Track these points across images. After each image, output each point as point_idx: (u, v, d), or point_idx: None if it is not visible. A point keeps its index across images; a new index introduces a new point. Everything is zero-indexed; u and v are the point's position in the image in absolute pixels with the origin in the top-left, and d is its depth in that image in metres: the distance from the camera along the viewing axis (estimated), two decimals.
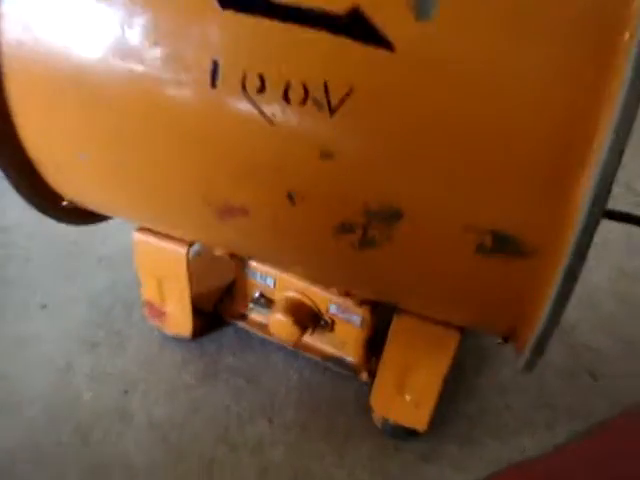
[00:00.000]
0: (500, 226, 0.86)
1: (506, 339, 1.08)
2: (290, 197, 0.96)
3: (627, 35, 0.74)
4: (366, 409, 1.41)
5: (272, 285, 1.41)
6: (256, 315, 1.51)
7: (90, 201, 1.24)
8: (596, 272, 1.77)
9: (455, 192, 0.87)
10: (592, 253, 0.78)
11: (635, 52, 0.71)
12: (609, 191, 0.77)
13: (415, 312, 1.17)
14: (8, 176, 1.15)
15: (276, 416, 1.41)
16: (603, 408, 1.44)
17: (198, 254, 1.58)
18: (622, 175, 0.80)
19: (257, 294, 1.44)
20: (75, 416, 1.39)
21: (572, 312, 1.60)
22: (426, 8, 0.81)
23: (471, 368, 1.52)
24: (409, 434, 1.37)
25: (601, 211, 0.77)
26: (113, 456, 1.33)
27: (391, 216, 0.91)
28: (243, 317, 1.53)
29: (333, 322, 1.41)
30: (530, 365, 1.00)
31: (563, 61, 0.79)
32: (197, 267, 1.49)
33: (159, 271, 1.40)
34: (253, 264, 1.40)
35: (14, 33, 1.00)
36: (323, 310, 1.39)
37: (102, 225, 1.45)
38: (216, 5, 0.87)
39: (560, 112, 0.79)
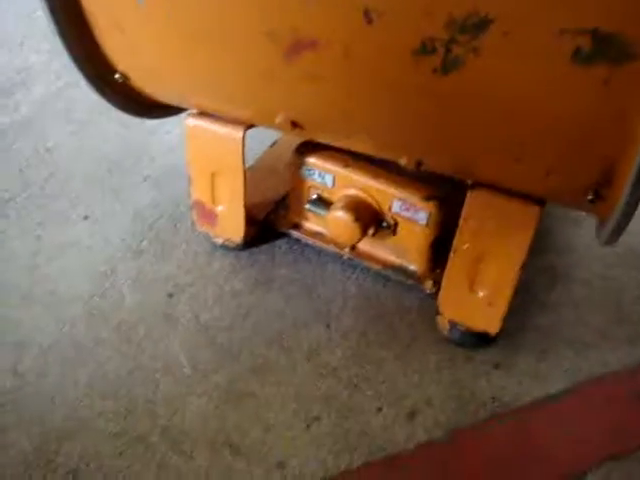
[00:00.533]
0: (601, 24, 0.77)
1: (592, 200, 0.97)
2: (367, 15, 0.88)
3: None
4: (431, 319, 1.30)
5: (331, 183, 1.32)
6: (312, 223, 1.41)
7: (144, 65, 1.17)
8: None
9: None
10: None
11: None
12: None
13: (492, 181, 1.08)
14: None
15: (333, 322, 1.30)
16: None
17: (252, 168, 1.50)
18: None
19: (314, 195, 1.35)
20: (117, 316, 1.30)
21: None
22: None
23: (541, 286, 1.40)
24: (479, 341, 1.26)
25: None
26: (156, 355, 1.23)
27: (478, 25, 0.82)
28: (297, 226, 1.43)
29: (396, 223, 1.31)
30: (617, 230, 0.90)
31: None
32: (251, 179, 1.41)
33: (213, 162, 1.31)
34: (311, 160, 1.32)
35: None
36: (385, 209, 1.29)
37: (147, 147, 1.39)
38: None
39: None
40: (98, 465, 1.08)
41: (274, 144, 1.64)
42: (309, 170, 1.34)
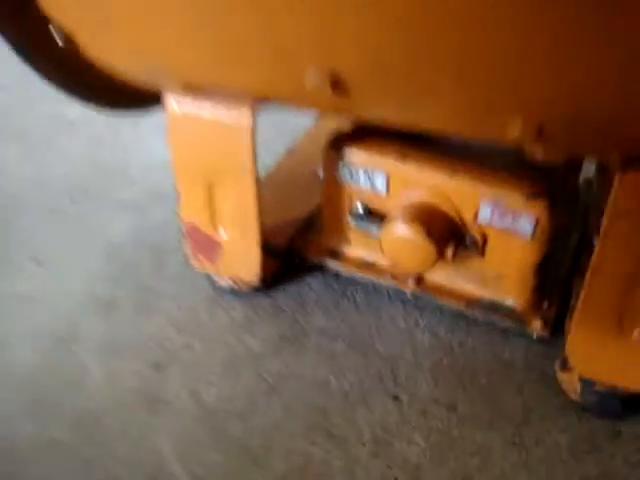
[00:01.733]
0: None
1: None
2: None
3: None
4: (548, 378, 0.87)
5: (384, 187, 0.91)
6: (357, 248, 0.99)
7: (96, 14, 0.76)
8: None
9: None
10: None
11: None
12: None
13: None
14: None
15: (403, 392, 0.87)
16: None
17: (267, 180, 1.08)
18: None
19: (360, 207, 0.93)
20: (78, 404, 0.86)
21: None
22: None
23: None
24: (631, 408, 0.83)
25: None
26: (136, 463, 0.80)
27: None
28: (335, 254, 1.00)
29: (485, 239, 0.88)
30: None
31: None
32: (266, 193, 0.99)
33: (210, 166, 0.90)
34: (353, 156, 0.90)
35: None
36: (469, 218, 0.87)
37: (123, 166, 0.99)
38: None
39: None
40: None
41: (291, 151, 1.23)
42: (351, 171, 0.92)
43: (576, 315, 0.83)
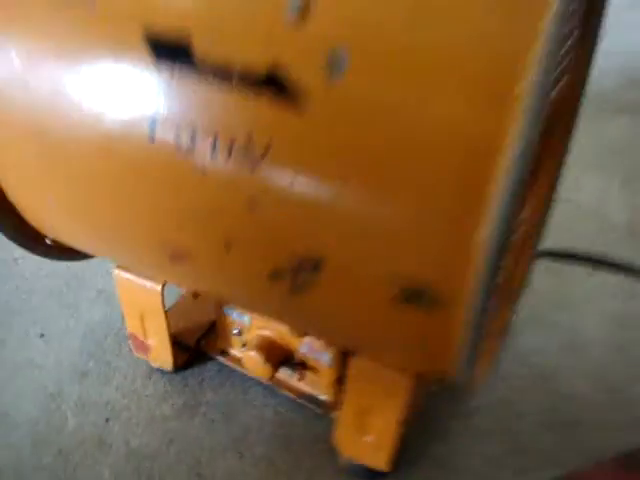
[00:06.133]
0: (411, 277, 0.89)
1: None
2: (226, 244, 1.01)
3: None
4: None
5: (248, 323, 1.46)
6: (236, 351, 1.56)
7: (67, 241, 1.32)
8: (584, 318, 1.74)
9: (368, 244, 0.90)
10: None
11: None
12: (504, 246, 0.79)
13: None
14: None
15: (247, 450, 1.45)
16: (579, 458, 1.42)
17: (184, 294, 1.66)
18: None
19: (236, 330, 1.50)
20: (59, 441, 1.47)
21: (554, 358, 1.61)
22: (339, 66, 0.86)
23: (445, 411, 1.52)
24: (375, 475, 1.39)
25: (497, 258, 0.79)
26: None
27: (315, 264, 0.96)
28: (224, 353, 1.58)
29: (304, 362, 1.44)
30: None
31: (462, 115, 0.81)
32: (180, 305, 1.57)
33: (139, 306, 1.47)
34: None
35: None
36: (295, 349, 1.43)
37: (103, 260, 1.55)
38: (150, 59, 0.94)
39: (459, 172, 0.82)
40: None
41: None
42: (229, 309, 1.48)
43: (338, 423, 1.38)
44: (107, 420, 1.50)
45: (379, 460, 1.34)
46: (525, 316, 1.40)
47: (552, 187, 1.31)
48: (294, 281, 1.00)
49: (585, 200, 2.14)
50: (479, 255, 0.80)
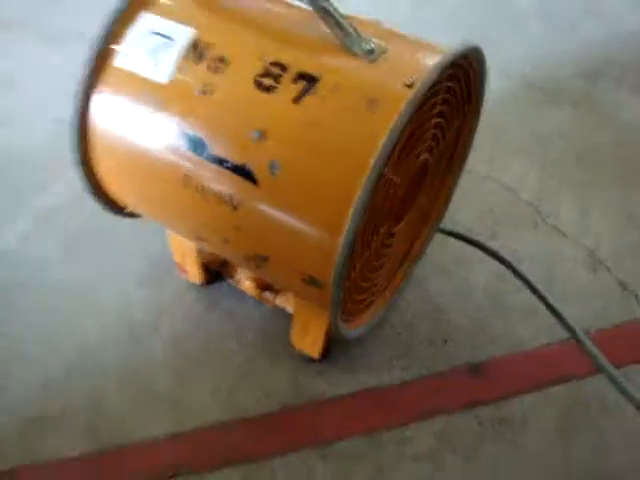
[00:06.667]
0: (309, 271, 1.79)
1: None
2: (224, 240, 1.93)
3: None
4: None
5: None
6: (240, 276, 2.51)
7: (137, 212, 2.26)
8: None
9: (291, 250, 1.80)
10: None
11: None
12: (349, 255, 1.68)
13: None
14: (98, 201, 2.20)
15: (242, 336, 2.40)
16: (446, 364, 2.35)
17: None
18: None
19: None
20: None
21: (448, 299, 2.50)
22: (275, 168, 1.72)
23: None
24: (311, 360, 2.34)
25: (343, 264, 1.69)
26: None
27: (264, 258, 1.87)
28: (233, 277, 2.53)
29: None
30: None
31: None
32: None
33: (181, 249, 2.40)
34: None
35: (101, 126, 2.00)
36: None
37: None
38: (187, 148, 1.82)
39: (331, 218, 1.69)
40: None
41: None
42: None
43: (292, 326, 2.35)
44: (160, 313, 2.50)
45: (314, 351, 2.30)
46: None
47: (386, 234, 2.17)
48: (256, 264, 1.92)
49: (507, 180, 2.93)
50: (337, 261, 1.69)
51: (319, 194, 1.63)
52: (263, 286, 2.35)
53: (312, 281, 1.77)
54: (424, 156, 1.86)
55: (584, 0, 4.03)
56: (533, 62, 3.38)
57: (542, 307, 2.24)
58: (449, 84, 1.80)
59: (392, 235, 2.00)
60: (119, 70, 1.84)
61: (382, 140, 1.44)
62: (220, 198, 1.76)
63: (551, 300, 2.23)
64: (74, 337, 2.27)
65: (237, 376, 2.20)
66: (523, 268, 2.34)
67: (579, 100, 3.21)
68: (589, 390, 2.08)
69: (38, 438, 2.03)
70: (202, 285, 2.43)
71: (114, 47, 1.85)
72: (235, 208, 1.76)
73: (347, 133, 1.53)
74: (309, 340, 2.25)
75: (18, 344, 2.27)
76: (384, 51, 1.60)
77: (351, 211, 1.48)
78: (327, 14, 1.62)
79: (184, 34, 1.71)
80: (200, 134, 1.72)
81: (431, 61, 1.61)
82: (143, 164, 1.87)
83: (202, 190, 1.79)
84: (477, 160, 2.86)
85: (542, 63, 3.46)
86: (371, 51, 1.62)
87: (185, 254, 2.33)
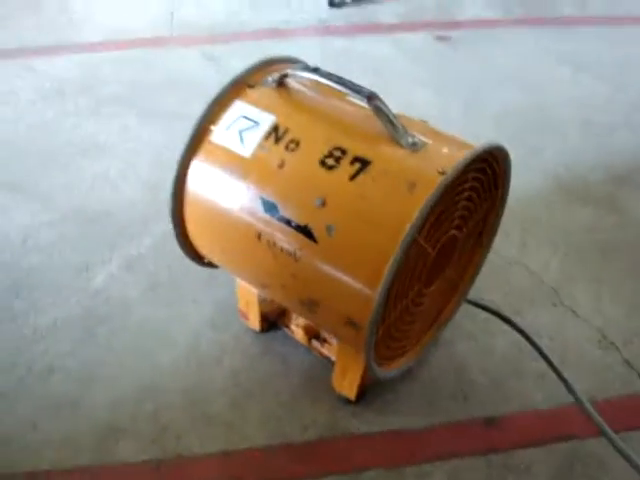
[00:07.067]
0: (350, 315, 2.20)
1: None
2: (283, 286, 2.36)
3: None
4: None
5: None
6: (293, 326, 2.90)
7: (214, 262, 2.72)
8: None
9: (337, 298, 2.21)
10: None
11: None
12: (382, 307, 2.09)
13: None
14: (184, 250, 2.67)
15: (292, 376, 2.80)
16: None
17: None
18: None
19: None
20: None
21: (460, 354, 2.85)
22: (331, 230, 2.17)
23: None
24: (348, 401, 2.68)
25: (377, 314, 2.10)
26: None
27: (315, 303, 2.29)
28: (287, 326, 2.93)
29: (325, 338, 2.79)
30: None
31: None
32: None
33: (245, 297, 2.81)
34: None
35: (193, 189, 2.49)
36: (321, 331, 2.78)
37: None
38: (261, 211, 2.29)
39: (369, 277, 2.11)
40: None
41: None
42: None
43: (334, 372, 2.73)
44: (223, 351, 2.92)
45: (351, 393, 2.66)
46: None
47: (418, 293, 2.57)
48: (308, 308, 2.34)
49: (533, 266, 3.31)
50: (373, 307, 2.09)
51: (364, 252, 2.05)
52: (312, 334, 2.76)
53: (352, 323, 2.16)
54: (453, 232, 2.25)
55: (624, 114, 4.44)
56: (567, 164, 3.81)
57: (554, 375, 2.57)
58: (477, 174, 2.23)
59: (423, 295, 2.39)
60: (213, 145, 2.35)
61: (416, 214, 1.86)
62: (285, 251, 2.19)
63: (562, 370, 2.57)
64: (147, 364, 2.57)
65: (283, 409, 2.48)
66: (540, 341, 2.70)
67: (605, 201, 3.60)
68: (589, 449, 2.33)
69: (111, 444, 2.37)
70: (260, 332, 2.74)
71: (211, 126, 2.36)
72: (297, 260, 2.19)
73: (390, 207, 1.88)
74: (347, 383, 2.60)
75: (98, 367, 2.58)
76: (425, 144, 2.02)
77: (387, 268, 1.88)
78: (381, 112, 2.09)
79: (267, 120, 2.15)
80: (273, 199, 2.10)
81: (461, 155, 2.05)
82: (225, 221, 2.23)
83: (271, 244, 2.23)
84: (507, 246, 3.28)
85: (575, 166, 3.89)
86: (414, 144, 2.05)
87: (249, 303, 2.63)
